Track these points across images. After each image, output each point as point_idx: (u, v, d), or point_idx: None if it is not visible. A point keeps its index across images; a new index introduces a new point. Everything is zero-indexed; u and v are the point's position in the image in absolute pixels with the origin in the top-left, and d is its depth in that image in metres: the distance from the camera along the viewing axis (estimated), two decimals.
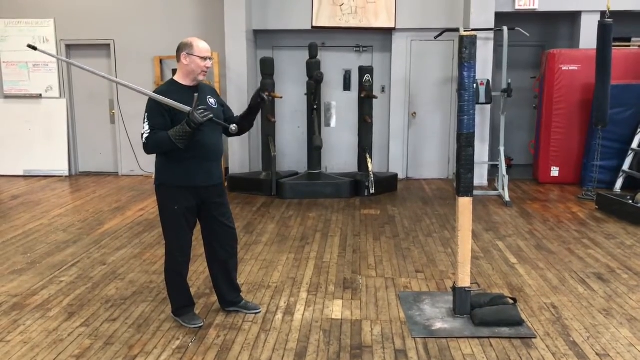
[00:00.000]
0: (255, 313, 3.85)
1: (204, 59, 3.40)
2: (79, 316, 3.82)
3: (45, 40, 9.04)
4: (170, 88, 3.45)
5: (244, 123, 3.70)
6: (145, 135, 3.35)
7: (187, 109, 3.28)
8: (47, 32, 9.02)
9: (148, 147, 3.38)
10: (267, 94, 3.58)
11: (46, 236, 5.77)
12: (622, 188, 7.60)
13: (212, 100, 3.54)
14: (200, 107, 3.28)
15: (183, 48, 3.41)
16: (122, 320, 3.75)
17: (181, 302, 3.71)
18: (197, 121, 3.23)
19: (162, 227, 3.62)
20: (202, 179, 3.48)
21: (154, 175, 3.58)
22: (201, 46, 3.41)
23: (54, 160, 9.20)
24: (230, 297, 3.86)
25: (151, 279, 4.52)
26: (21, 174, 9.17)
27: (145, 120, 3.36)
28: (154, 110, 3.35)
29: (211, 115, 3.31)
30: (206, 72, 3.47)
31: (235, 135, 3.62)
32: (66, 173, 9.20)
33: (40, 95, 9.20)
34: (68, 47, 9.15)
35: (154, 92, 3.43)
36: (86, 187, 8.35)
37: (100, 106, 9.33)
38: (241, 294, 3.95)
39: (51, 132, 9.20)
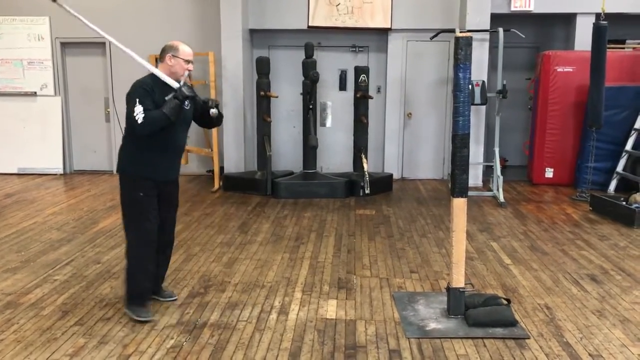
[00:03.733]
0: (172, 300, 3.99)
1: (187, 61, 3.64)
2: (73, 315, 3.82)
3: (40, 38, 9.01)
4: (155, 81, 3.61)
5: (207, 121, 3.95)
6: (141, 115, 3.45)
7: (176, 84, 3.58)
8: (42, 29, 8.98)
9: (145, 125, 3.46)
10: (214, 109, 3.79)
11: (40, 234, 5.75)
12: (616, 189, 7.64)
13: (186, 102, 3.70)
14: (186, 85, 3.59)
15: (169, 50, 3.63)
16: (117, 319, 3.75)
17: (137, 293, 3.75)
18: (184, 94, 3.52)
19: (124, 215, 3.70)
20: (166, 173, 3.72)
21: (117, 165, 3.73)
22: (186, 50, 3.65)
23: (49, 158, 9.16)
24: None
25: None
26: (15, 171, 9.13)
27: (137, 103, 3.47)
28: (144, 94, 3.51)
29: (195, 94, 3.63)
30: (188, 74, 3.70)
31: (209, 125, 3.99)
32: (61, 171, 9.17)
33: (35, 93, 9.16)
34: (63, 44, 9.11)
35: (140, 81, 3.60)
36: (81, 186, 8.33)
37: (95, 104, 9.29)
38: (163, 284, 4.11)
39: (46, 130, 9.16)
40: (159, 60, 3.68)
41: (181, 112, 3.59)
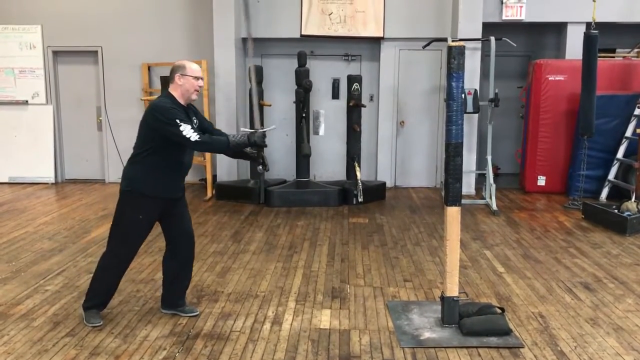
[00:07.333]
0: (194, 315, 3.94)
1: (197, 78, 3.66)
2: (65, 326, 3.78)
3: (32, 47, 8.98)
4: (176, 103, 3.62)
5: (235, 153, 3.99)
6: (194, 134, 3.48)
7: (254, 129, 3.83)
8: (34, 38, 8.95)
9: (203, 144, 3.58)
10: (263, 167, 3.86)
11: (31, 244, 5.70)
12: (608, 197, 7.68)
13: (195, 120, 3.76)
14: (263, 131, 3.73)
15: (177, 70, 3.66)
16: (108, 330, 3.71)
17: (99, 300, 3.82)
18: (258, 142, 3.68)
19: (116, 230, 3.73)
20: (174, 191, 3.77)
21: (122, 182, 3.70)
22: (194, 67, 3.69)
23: (40, 167, 9.10)
24: (175, 300, 3.97)
25: (137, 287, 4.48)
26: (6, 180, 9.06)
27: (179, 123, 3.48)
28: (181, 113, 3.56)
29: (266, 145, 3.76)
30: (199, 91, 3.72)
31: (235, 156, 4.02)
32: (52, 180, 9.11)
33: (27, 101, 9.11)
34: (55, 53, 9.07)
35: (165, 101, 3.60)
36: (72, 195, 8.28)
37: (87, 113, 9.25)
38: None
39: (37, 138, 9.11)
40: (169, 82, 3.69)
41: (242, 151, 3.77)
